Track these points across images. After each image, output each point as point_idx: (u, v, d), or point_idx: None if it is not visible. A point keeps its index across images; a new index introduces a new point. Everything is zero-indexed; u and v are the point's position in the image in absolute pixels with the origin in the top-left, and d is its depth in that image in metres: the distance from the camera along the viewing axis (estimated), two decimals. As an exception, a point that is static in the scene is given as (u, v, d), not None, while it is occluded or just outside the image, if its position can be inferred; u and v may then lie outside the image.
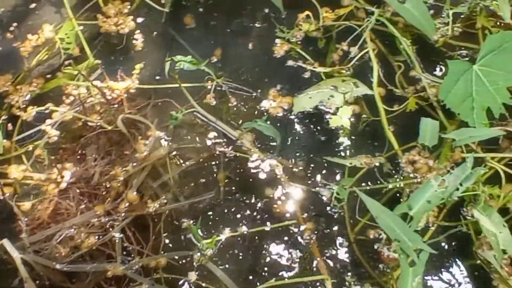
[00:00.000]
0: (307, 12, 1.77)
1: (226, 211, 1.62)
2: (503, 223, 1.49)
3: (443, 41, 1.77)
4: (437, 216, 1.59)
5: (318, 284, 1.54)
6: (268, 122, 1.60)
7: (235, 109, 1.71)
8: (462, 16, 1.81)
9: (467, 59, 1.74)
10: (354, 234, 1.58)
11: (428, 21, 1.71)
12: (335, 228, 1.61)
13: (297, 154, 1.67)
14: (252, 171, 1.64)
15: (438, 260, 1.58)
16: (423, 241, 1.44)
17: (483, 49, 1.62)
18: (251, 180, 1.64)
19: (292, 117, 1.69)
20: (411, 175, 1.61)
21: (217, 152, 1.64)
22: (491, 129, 1.55)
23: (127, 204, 1.57)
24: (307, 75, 1.73)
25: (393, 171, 1.63)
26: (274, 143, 1.66)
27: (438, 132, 1.58)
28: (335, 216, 1.62)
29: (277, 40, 1.76)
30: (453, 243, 1.60)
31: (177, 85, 1.65)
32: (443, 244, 1.60)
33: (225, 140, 1.67)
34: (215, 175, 1.66)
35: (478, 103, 1.60)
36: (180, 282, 1.53)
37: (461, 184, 1.52)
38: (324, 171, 1.66)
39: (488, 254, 1.51)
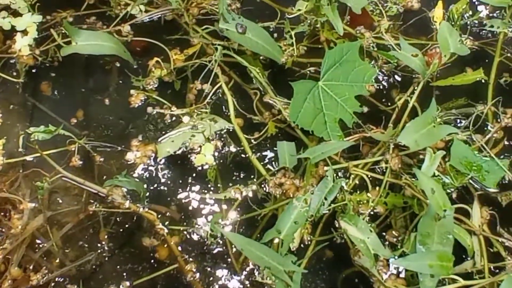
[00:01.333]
0: (156, 58, 1.78)
1: (111, 267, 1.65)
2: (369, 228, 1.55)
3: (291, 61, 1.81)
4: (313, 232, 1.62)
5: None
6: (128, 177, 1.62)
7: (102, 166, 1.70)
8: (305, 33, 1.84)
9: (319, 74, 1.77)
10: (240, 264, 1.59)
11: (272, 46, 1.77)
12: (220, 263, 1.65)
13: (169, 198, 1.69)
14: (129, 223, 1.67)
15: (321, 274, 1.65)
16: (294, 262, 1.47)
17: (324, 64, 1.68)
18: (130, 232, 1.65)
19: (160, 163, 1.70)
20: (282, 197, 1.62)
21: (91, 212, 1.62)
22: (341, 142, 1.62)
23: (10, 281, 1.56)
24: (167, 119, 1.75)
25: (268, 196, 1.65)
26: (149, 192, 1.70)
27: (295, 152, 1.61)
28: (217, 252, 1.66)
29: (132, 91, 1.78)
30: (333, 255, 1.66)
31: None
32: (324, 257, 1.66)
33: (98, 198, 1.65)
34: (97, 233, 1.64)
35: (329, 117, 1.66)
36: None
37: (326, 198, 1.54)
38: (201, 210, 1.69)
39: (364, 260, 1.56)
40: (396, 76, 1.85)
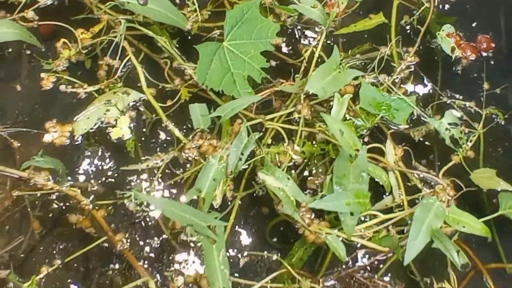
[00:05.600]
0: (62, 40, 1.79)
1: (43, 249, 1.67)
2: (287, 176, 1.59)
3: (197, 27, 1.84)
4: (237, 189, 1.68)
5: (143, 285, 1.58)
6: (45, 156, 1.67)
7: (22, 152, 1.74)
8: (207, -2, 1.88)
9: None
10: (169, 229, 1.63)
11: (176, 14, 1.80)
12: (150, 230, 1.68)
13: (92, 174, 1.72)
14: (56, 204, 1.70)
15: (250, 228, 1.70)
16: (216, 217, 1.51)
17: (226, 25, 1.73)
18: (58, 213, 1.70)
19: (78, 141, 1.72)
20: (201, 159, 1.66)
21: (15, 197, 1.63)
22: (250, 96, 1.66)
23: None
24: (81, 98, 1.77)
25: (190, 161, 1.69)
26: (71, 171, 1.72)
27: (207, 113, 1.65)
28: (145, 220, 1.68)
29: (43, 74, 1.79)
30: (257, 207, 1.71)
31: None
32: (252, 212, 1.72)
33: (22, 183, 1.68)
34: (25, 218, 1.67)
35: (238, 75, 1.71)
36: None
37: (242, 154, 1.58)
38: (124, 182, 1.72)
39: (286, 208, 1.60)
40: (301, 30, 1.86)
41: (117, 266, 1.63)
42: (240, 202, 1.69)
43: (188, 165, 1.75)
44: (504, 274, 1.68)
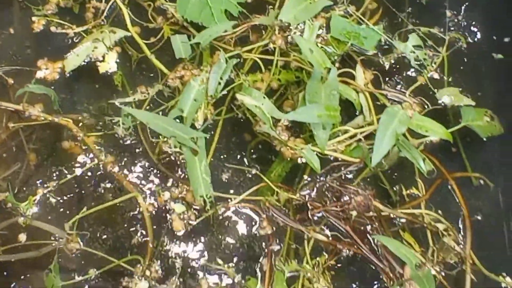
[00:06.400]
0: (52, -13, 1.93)
1: (39, 177, 1.77)
2: (263, 95, 1.70)
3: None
4: (218, 114, 1.78)
5: (132, 202, 1.71)
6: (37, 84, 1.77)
7: (15, 87, 1.86)
8: None
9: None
10: (156, 154, 1.76)
11: (156, -43, 1.91)
12: (137, 155, 1.80)
13: (83, 106, 1.84)
14: (49, 132, 1.82)
15: (227, 148, 1.81)
16: (197, 130, 1.63)
17: (203, -38, 1.85)
18: (51, 140, 1.81)
19: (69, 77, 1.84)
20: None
21: (11, 128, 1.76)
22: (225, 24, 1.78)
23: None
24: (70, 39, 1.90)
25: (174, 93, 1.81)
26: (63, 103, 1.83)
27: (188, 43, 1.78)
28: (132, 144, 1.81)
29: (33, 18, 1.92)
30: (238, 134, 1.82)
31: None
32: (231, 136, 1.83)
33: (17, 117, 1.80)
34: (21, 150, 1.79)
35: (215, 9, 1.84)
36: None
37: (221, 78, 1.71)
38: (113, 112, 1.83)
39: (264, 127, 1.71)
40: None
41: (108, 185, 1.72)
42: (221, 130, 1.82)
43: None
44: (471, 186, 1.77)
